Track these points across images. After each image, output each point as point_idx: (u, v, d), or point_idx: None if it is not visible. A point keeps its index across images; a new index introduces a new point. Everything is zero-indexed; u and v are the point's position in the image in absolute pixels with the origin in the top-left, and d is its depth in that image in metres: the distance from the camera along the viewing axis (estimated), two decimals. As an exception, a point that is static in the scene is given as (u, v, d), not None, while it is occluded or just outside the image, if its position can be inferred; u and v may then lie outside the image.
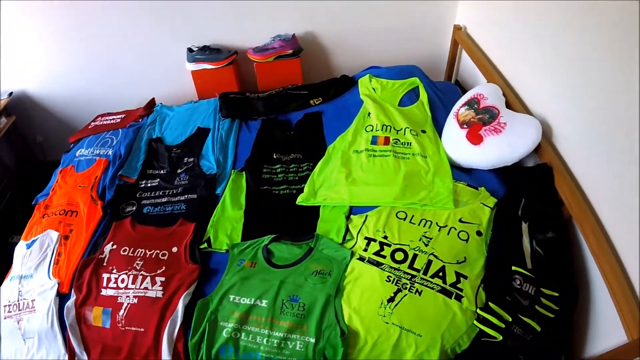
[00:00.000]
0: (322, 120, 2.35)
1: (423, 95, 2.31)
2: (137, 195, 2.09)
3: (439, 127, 2.18)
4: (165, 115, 2.60)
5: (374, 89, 2.38)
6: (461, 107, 2.11)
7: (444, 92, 2.42)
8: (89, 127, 2.65)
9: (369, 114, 2.23)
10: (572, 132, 1.72)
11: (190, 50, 2.68)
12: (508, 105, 2.02)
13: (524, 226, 1.69)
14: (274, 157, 2.18)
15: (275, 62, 2.65)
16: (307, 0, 2.61)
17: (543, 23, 1.86)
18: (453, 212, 1.77)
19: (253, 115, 2.44)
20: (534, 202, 1.75)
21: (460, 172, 1.98)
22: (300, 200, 1.92)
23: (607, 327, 1.48)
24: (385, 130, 2.11)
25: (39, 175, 2.61)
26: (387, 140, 2.07)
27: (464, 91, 2.50)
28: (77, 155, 2.40)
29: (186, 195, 2.05)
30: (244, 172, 2.11)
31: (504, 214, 1.77)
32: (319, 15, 2.68)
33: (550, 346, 1.46)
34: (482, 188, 1.86)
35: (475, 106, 2.05)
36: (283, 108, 2.44)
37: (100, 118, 2.71)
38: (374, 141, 2.08)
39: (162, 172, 2.22)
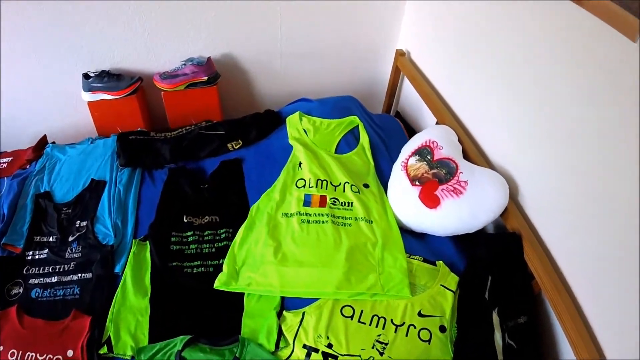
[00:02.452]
0: (242, 170, 1.96)
1: (364, 138, 1.99)
2: (24, 272, 1.71)
3: (382, 177, 1.87)
4: (56, 161, 2.13)
5: (305, 130, 2.02)
6: (410, 156, 1.80)
7: (384, 129, 2.11)
8: None
9: (300, 164, 1.87)
10: (541, 190, 1.51)
11: (86, 76, 2.20)
12: (465, 155, 1.75)
13: (495, 317, 1.43)
14: (185, 220, 1.79)
15: (187, 91, 2.23)
16: (226, 15, 2.19)
17: (500, 51, 1.63)
18: (410, 302, 1.47)
19: (158, 163, 2.02)
20: (502, 280, 1.51)
21: (410, 237, 1.68)
22: (218, 284, 1.55)
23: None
24: (321, 187, 1.77)
25: None
26: (323, 201, 1.73)
27: (406, 125, 2.22)
28: None
29: (80, 274, 1.68)
30: (147, 242, 1.72)
31: (469, 299, 1.49)
32: (240, 35, 2.26)
33: None
34: (440, 262, 1.57)
35: (429, 157, 1.75)
36: (194, 153, 2.03)
37: None
38: (308, 202, 1.73)
39: (51, 239, 1.82)
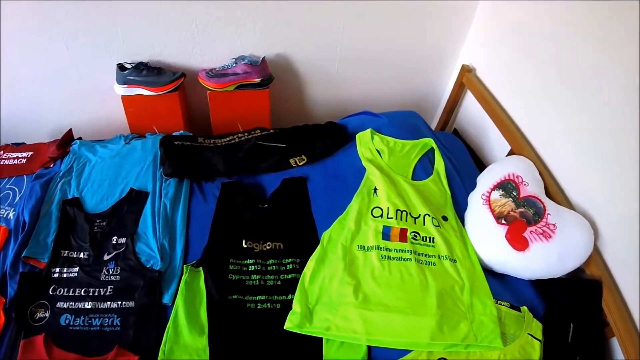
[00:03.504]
0: (307, 190, 1.75)
1: (439, 164, 1.81)
2: (50, 292, 1.49)
3: (458, 208, 1.70)
4: (85, 161, 1.88)
5: (378, 151, 1.83)
6: (493, 189, 1.65)
7: (451, 151, 1.94)
8: None
9: (376, 190, 1.69)
10: (622, 236, 1.41)
11: (121, 67, 1.95)
12: (547, 193, 1.63)
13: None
14: (244, 245, 1.57)
15: (235, 93, 2.01)
16: (286, 12, 1.97)
17: (587, 78, 1.52)
18: (503, 352, 1.33)
19: (208, 175, 1.79)
20: (583, 328, 1.42)
21: (490, 277, 1.53)
22: (290, 325, 1.35)
23: None
24: (401, 219, 1.59)
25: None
26: (403, 235, 1.55)
27: (465, 145, 2.06)
28: None
29: (120, 302, 1.46)
30: (201, 269, 1.51)
31: (555, 348, 1.39)
32: (298, 34, 2.05)
33: None
34: (524, 308, 1.43)
35: (514, 194, 1.60)
36: (251, 166, 1.81)
37: (2, 153, 1.97)
38: (387, 235, 1.55)
39: (82, 255, 1.59)
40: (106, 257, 1.57)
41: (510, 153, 1.86)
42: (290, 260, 1.54)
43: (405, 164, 1.79)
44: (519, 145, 1.79)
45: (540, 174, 1.68)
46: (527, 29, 1.79)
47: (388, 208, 1.61)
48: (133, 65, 1.95)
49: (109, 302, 1.45)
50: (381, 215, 1.60)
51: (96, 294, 1.47)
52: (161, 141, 1.84)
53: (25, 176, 1.84)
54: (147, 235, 1.61)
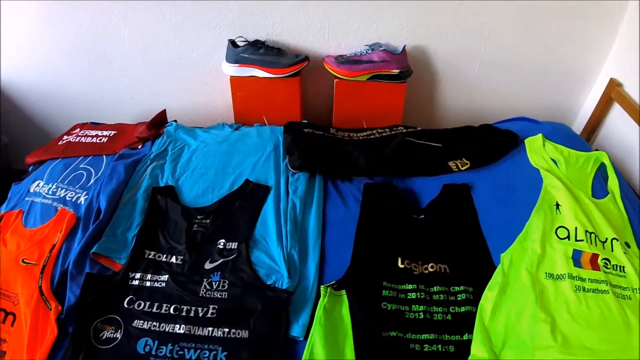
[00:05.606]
0: (472, 201, 1.42)
1: (613, 182, 1.49)
2: (126, 304, 1.15)
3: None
4: (183, 145, 1.58)
5: (554, 160, 1.52)
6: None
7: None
8: (60, 142, 1.67)
9: (558, 205, 1.37)
10: None
11: (233, 44, 1.67)
12: None
13: None
14: (399, 265, 1.24)
15: (368, 84, 1.71)
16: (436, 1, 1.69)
17: None
18: None
19: (346, 172, 1.47)
20: None
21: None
22: (472, 377, 1.04)
23: None
24: (591, 242, 1.28)
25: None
26: (594, 261, 1.24)
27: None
28: (30, 190, 1.48)
29: (227, 329, 1.11)
30: (344, 292, 1.17)
31: None
32: (442, 28, 1.77)
33: None
34: None
35: None
36: (401, 166, 1.48)
37: (78, 130, 1.74)
38: (577, 260, 1.24)
39: (174, 259, 1.26)
40: (208, 266, 1.23)
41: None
42: (462, 288, 1.21)
43: (583, 177, 1.48)
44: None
45: None
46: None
47: (576, 228, 1.30)
48: (248, 42, 1.67)
49: (210, 328, 1.10)
50: (568, 237, 1.29)
51: (192, 314, 1.13)
52: (287, 127, 1.54)
53: (105, 156, 1.58)
54: (267, 241, 1.29)
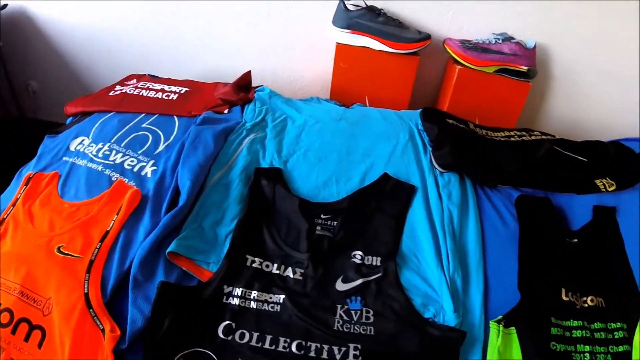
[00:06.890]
0: (619, 226, 1.23)
1: None
2: (221, 334, 0.83)
3: None
4: (286, 118, 1.27)
5: None
6: None
7: None
8: (112, 93, 1.30)
9: None
10: None
11: (346, 8, 1.39)
12: None
13: None
14: (564, 298, 1.03)
15: (493, 77, 1.50)
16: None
17: None
18: None
19: (494, 176, 1.23)
20: None
21: None
22: None
23: None
24: None
25: (20, 140, 1.45)
26: None
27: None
28: (71, 148, 1.14)
29: None
30: (513, 331, 0.96)
31: None
32: (571, 24, 1.58)
33: None
34: None
35: None
36: (550, 178, 1.26)
37: (135, 81, 1.38)
38: None
39: (290, 273, 0.93)
40: (342, 287, 0.91)
41: None
42: (618, 325, 1.04)
43: None
44: None
45: None
46: None
47: None
48: (364, 7, 1.40)
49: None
50: None
51: (324, 355, 0.81)
52: (427, 113, 1.26)
53: (175, 117, 1.23)
54: (420, 259, 0.99)
